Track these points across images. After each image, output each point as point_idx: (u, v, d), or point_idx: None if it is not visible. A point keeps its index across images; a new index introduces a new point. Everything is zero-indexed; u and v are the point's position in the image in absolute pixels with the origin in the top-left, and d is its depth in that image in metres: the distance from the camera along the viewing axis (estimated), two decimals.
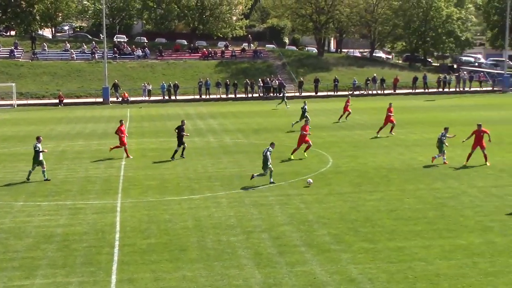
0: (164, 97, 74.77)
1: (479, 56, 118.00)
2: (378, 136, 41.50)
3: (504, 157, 33.39)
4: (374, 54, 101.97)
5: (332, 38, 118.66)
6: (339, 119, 50.58)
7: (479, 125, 31.16)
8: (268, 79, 77.83)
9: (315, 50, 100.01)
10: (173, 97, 74.60)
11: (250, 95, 76.02)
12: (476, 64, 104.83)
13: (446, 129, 31.76)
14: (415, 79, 79.64)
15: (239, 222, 22.16)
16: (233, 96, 75.28)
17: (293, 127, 45.32)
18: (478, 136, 30.95)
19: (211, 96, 74.96)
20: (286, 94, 68.48)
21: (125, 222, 22.42)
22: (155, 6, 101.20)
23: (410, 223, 21.70)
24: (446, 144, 31.60)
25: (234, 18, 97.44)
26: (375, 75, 79.99)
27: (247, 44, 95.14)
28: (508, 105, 61.41)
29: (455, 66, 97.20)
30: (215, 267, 17.85)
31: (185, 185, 28.32)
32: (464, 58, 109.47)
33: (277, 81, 77.30)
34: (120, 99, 72.92)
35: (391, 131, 42.26)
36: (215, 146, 38.96)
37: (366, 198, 25.26)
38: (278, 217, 22.74)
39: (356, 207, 23.99)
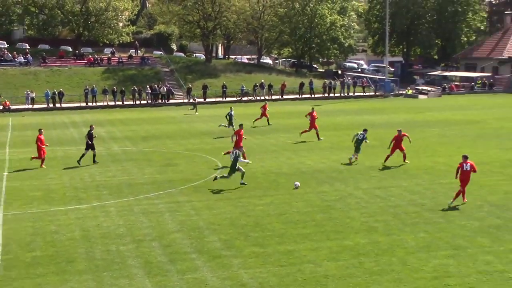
0: (48, 105, 72.50)
1: (362, 62, 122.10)
2: (321, 139, 42.22)
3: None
4: (261, 61, 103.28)
5: (220, 45, 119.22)
6: (255, 121, 50.59)
7: (399, 131, 33.21)
8: (156, 85, 77.11)
9: (203, 57, 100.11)
10: (58, 105, 72.53)
11: (138, 102, 75.03)
12: (359, 70, 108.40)
13: (365, 130, 34.58)
14: (302, 84, 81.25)
15: (128, 231, 21.81)
16: (120, 103, 74.07)
17: (223, 127, 45.43)
18: (398, 140, 32.85)
19: (98, 104, 73.44)
20: (198, 100, 68.57)
21: (8, 235, 21.54)
22: (37, 12, 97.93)
23: (299, 226, 22.08)
24: (367, 141, 34.39)
25: (121, 24, 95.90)
26: (262, 81, 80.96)
27: (134, 50, 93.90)
28: (389, 109, 63.75)
29: (339, 72, 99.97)
30: (104, 278, 17.47)
31: (72, 194, 27.58)
32: (347, 64, 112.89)
33: (165, 88, 76.80)
34: (1, 107, 70.19)
35: (318, 137, 42.60)
36: (103, 154, 38.12)
37: (256, 203, 25.49)
38: (168, 225, 22.55)
39: (246, 212, 24.16)
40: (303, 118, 54.11)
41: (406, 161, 33.22)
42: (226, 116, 45.72)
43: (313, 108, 43.95)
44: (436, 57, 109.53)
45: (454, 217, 22.93)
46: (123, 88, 75.43)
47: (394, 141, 32.86)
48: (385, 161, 33.06)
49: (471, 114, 57.07)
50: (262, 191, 27.70)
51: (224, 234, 21.27)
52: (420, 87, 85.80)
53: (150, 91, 75.76)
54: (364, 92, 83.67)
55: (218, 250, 19.71)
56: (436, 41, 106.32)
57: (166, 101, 75.77)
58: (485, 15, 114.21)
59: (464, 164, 24.85)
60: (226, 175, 28.50)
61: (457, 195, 24.66)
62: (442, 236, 20.63)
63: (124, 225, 22.53)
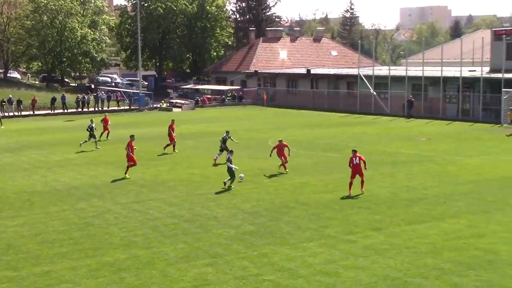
0: None
1: (115, 76, 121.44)
2: (166, 152, 41.67)
3: (145, 173, 34.70)
4: (8, 75, 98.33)
5: None
6: (107, 137, 48.96)
7: (280, 140, 34.35)
8: None
9: None
10: None
11: None
12: (113, 84, 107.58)
13: (227, 132, 38.10)
14: (54, 99, 78.68)
15: None
16: None
17: (82, 146, 43.27)
18: (280, 149, 33.84)
19: None
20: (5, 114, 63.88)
21: None
22: None
23: (55, 246, 21.30)
24: (225, 145, 36.85)
25: None
26: (10, 96, 77.01)
27: None
28: (145, 123, 64.01)
29: (93, 86, 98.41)
30: None
31: None
32: (101, 78, 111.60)
33: None
34: None
35: (174, 149, 42.29)
36: None
37: (8, 224, 24.15)
38: None
39: None
40: (55, 134, 52.50)
41: (286, 170, 33.83)
42: (87, 129, 44.39)
43: (173, 121, 43.39)
44: (188, 70, 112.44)
45: (211, 226, 23.63)
46: None
47: (276, 150, 33.93)
48: (279, 167, 34.07)
49: (223, 126, 59.13)
50: (14, 211, 26.32)
51: None
52: (174, 101, 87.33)
53: None
54: (118, 106, 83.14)
55: None
56: (188, 55, 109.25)
57: None
58: (232, 31, 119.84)
59: (354, 158, 27.25)
60: (230, 178, 29.98)
61: (350, 185, 27.66)
62: (200, 246, 21.14)
63: None
